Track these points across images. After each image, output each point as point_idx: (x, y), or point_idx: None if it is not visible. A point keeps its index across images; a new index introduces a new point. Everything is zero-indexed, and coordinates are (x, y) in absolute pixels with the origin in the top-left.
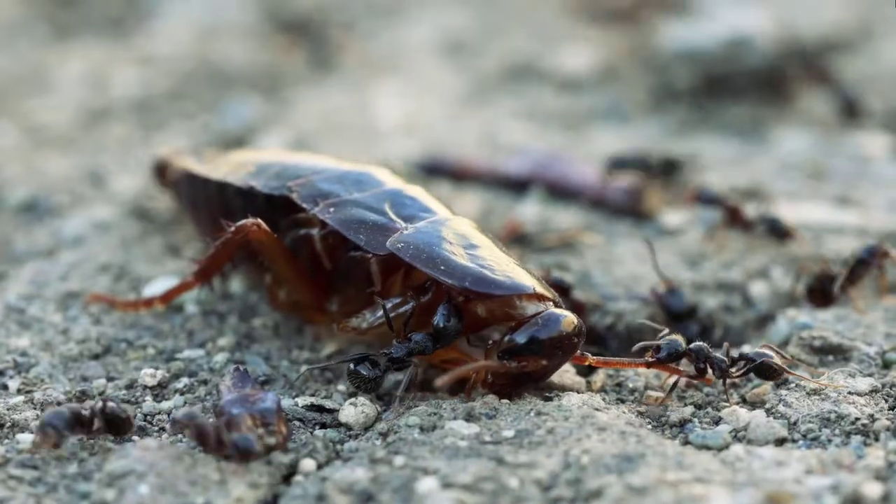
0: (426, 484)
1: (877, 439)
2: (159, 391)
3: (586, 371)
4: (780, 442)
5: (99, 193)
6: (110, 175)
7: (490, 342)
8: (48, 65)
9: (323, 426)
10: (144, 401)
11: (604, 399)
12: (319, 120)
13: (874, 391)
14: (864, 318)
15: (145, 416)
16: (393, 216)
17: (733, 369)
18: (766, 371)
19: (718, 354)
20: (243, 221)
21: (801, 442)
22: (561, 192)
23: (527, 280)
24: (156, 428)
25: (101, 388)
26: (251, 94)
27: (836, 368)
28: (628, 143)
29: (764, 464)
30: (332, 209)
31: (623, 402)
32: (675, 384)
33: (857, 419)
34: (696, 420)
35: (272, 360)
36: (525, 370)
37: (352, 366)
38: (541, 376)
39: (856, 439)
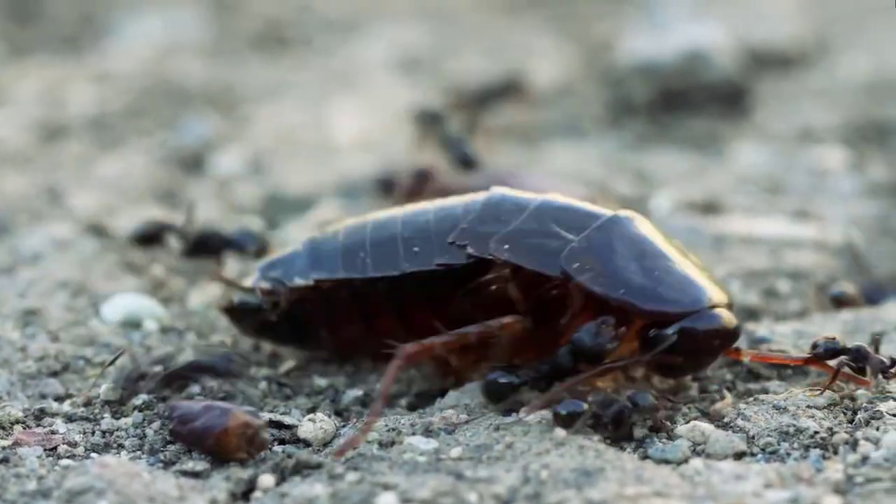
0: (385, 499)
1: (836, 453)
2: (118, 408)
3: (544, 386)
4: (738, 456)
5: (56, 210)
6: (67, 192)
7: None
8: (4, 82)
9: (282, 442)
10: (103, 418)
11: None
12: (277, 136)
13: (833, 405)
14: (822, 331)
15: (104, 433)
16: (570, 234)
17: (893, 369)
18: None
19: (878, 355)
20: (508, 319)
21: (759, 455)
22: None
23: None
24: (115, 445)
25: (60, 406)
26: (208, 110)
27: (795, 382)
28: (586, 157)
29: (723, 477)
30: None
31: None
32: (834, 378)
33: (816, 433)
34: (654, 434)
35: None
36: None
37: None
38: (696, 369)
39: (815, 453)
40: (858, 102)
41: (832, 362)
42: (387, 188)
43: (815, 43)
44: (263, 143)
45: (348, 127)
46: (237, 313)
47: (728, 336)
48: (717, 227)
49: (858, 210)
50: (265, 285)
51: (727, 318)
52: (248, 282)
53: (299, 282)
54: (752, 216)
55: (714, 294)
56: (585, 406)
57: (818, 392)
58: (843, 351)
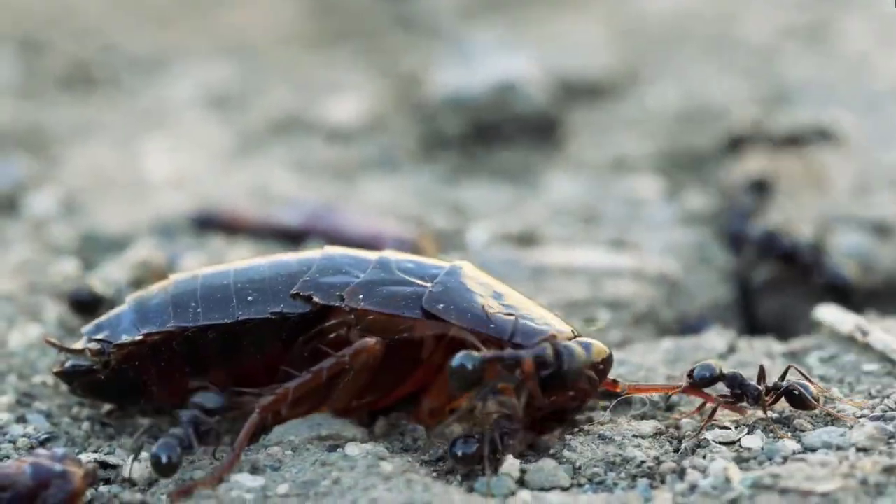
0: None
1: (663, 482)
2: None
3: (368, 420)
4: (566, 487)
5: None
6: None
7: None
8: None
9: (107, 482)
10: None
11: (388, 448)
12: (89, 177)
13: (658, 434)
14: (644, 361)
15: None
16: (421, 281)
17: (767, 398)
18: (798, 400)
19: (752, 382)
20: (366, 340)
21: (587, 486)
22: (336, 242)
23: (559, 324)
24: None
25: None
26: (19, 152)
27: (619, 411)
28: (400, 192)
29: None
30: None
31: (407, 450)
32: (713, 412)
33: (643, 462)
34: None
35: (54, 418)
36: (558, 405)
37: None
38: (578, 405)
39: (642, 482)
40: (670, 131)
41: (709, 390)
42: (203, 225)
43: (626, 73)
44: (76, 183)
45: (161, 165)
46: (69, 377)
47: (605, 361)
48: (535, 259)
49: (675, 238)
50: (93, 346)
51: (598, 345)
52: (78, 345)
53: (126, 339)
54: (569, 247)
55: (567, 327)
56: (477, 446)
57: (701, 427)
58: (720, 378)
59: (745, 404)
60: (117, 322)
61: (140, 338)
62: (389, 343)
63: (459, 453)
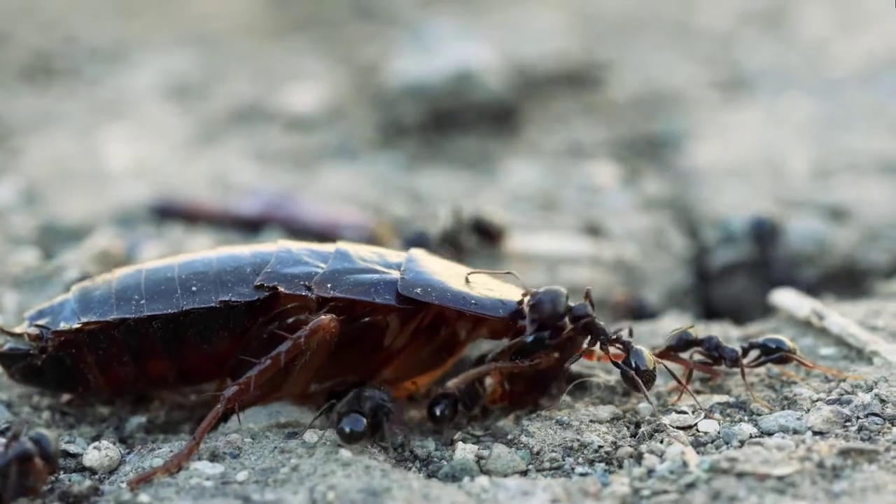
0: None
1: (621, 466)
2: None
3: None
4: (524, 472)
5: None
6: None
7: (498, 350)
8: None
9: (67, 470)
10: None
11: None
12: (50, 167)
13: (616, 419)
14: None
15: None
16: (384, 269)
17: (745, 359)
18: (782, 357)
19: (730, 345)
20: (321, 318)
21: (545, 471)
22: (294, 230)
23: (510, 290)
24: None
25: None
26: None
27: (577, 396)
28: (359, 179)
29: (509, 494)
30: (329, 285)
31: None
32: (690, 375)
33: (601, 447)
34: (437, 452)
35: (14, 407)
36: (539, 367)
37: None
38: (554, 374)
39: (599, 467)
40: (628, 118)
41: (684, 355)
42: (162, 214)
43: (584, 60)
44: (37, 173)
45: (121, 155)
46: (6, 359)
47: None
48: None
49: (633, 224)
50: (33, 331)
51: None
52: (18, 329)
53: (64, 326)
54: (527, 233)
55: (518, 291)
56: (365, 422)
57: (680, 393)
58: (696, 342)
59: (721, 367)
60: (59, 309)
61: (79, 326)
62: (348, 328)
63: (347, 430)
